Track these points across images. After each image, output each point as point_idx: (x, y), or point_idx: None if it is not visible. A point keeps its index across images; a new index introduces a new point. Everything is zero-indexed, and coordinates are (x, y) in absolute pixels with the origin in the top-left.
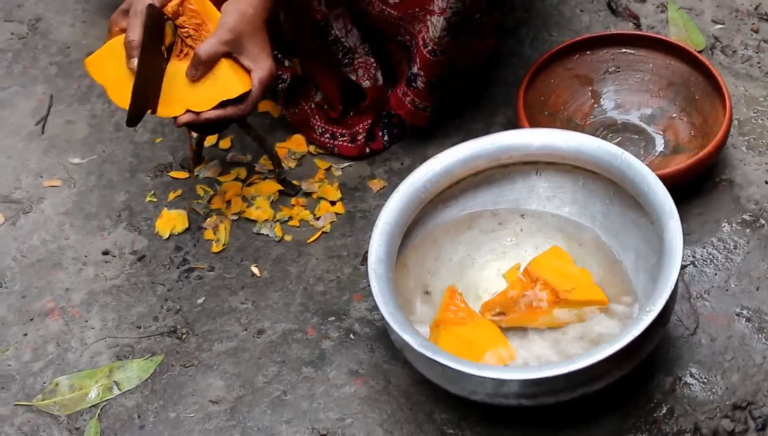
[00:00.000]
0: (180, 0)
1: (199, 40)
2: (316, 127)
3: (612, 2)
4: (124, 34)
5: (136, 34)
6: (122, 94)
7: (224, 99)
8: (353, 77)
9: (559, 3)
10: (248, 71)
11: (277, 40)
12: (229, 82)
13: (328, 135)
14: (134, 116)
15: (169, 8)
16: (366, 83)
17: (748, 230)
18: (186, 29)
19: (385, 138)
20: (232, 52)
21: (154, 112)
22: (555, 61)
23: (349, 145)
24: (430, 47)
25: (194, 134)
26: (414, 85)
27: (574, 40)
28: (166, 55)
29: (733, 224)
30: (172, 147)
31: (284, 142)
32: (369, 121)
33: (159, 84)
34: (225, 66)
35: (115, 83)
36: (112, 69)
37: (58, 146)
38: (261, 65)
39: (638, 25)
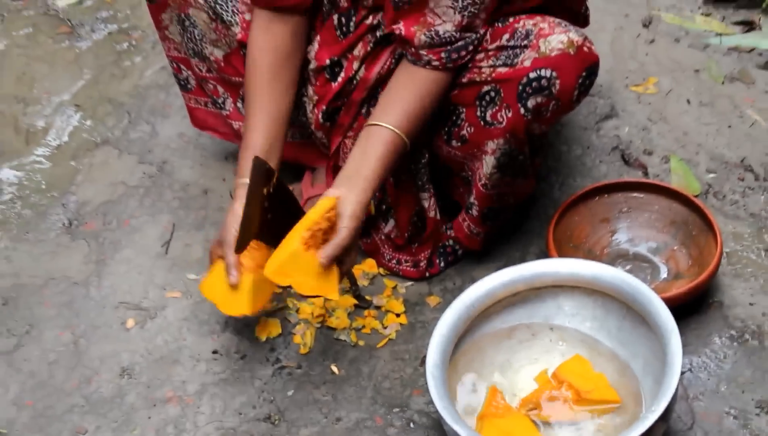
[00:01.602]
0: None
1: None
2: (385, 254)
3: (625, 155)
4: (223, 260)
5: (231, 257)
6: (230, 307)
7: (320, 295)
8: (426, 205)
9: (581, 155)
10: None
11: None
12: (332, 287)
13: (394, 261)
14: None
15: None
16: (431, 214)
17: (735, 344)
18: (321, 229)
19: (441, 264)
20: None
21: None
22: (579, 202)
23: (412, 269)
24: (483, 181)
25: None
26: (470, 212)
27: (594, 185)
28: (266, 204)
29: (723, 338)
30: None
31: (359, 265)
32: (429, 251)
33: (255, 227)
34: (334, 274)
35: (223, 300)
36: (220, 289)
37: (178, 265)
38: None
39: (646, 174)
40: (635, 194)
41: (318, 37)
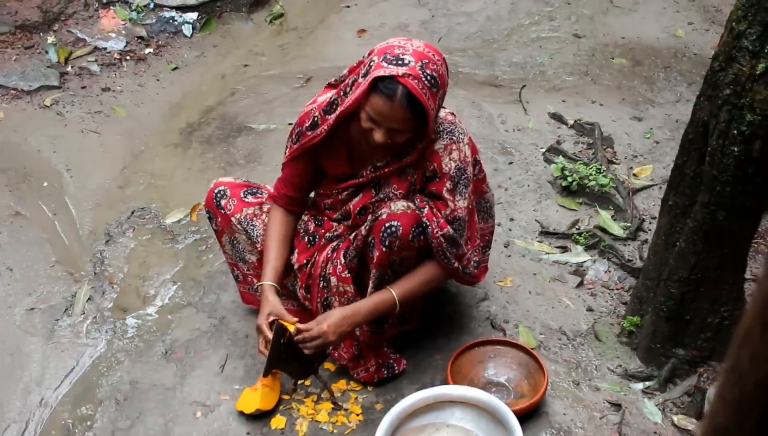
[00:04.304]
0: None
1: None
2: (351, 369)
3: (492, 323)
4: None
5: (263, 330)
6: (249, 407)
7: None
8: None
9: (467, 322)
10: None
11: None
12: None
13: (355, 372)
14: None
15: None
16: (362, 339)
17: None
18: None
19: (385, 372)
20: None
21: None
22: (465, 351)
23: (365, 374)
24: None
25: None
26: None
27: (475, 341)
28: (282, 349)
29: (547, 434)
30: (283, 383)
31: (335, 384)
32: (372, 363)
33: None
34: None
35: (246, 405)
36: (244, 401)
37: (228, 380)
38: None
39: (504, 334)
40: (498, 347)
41: (297, 248)
